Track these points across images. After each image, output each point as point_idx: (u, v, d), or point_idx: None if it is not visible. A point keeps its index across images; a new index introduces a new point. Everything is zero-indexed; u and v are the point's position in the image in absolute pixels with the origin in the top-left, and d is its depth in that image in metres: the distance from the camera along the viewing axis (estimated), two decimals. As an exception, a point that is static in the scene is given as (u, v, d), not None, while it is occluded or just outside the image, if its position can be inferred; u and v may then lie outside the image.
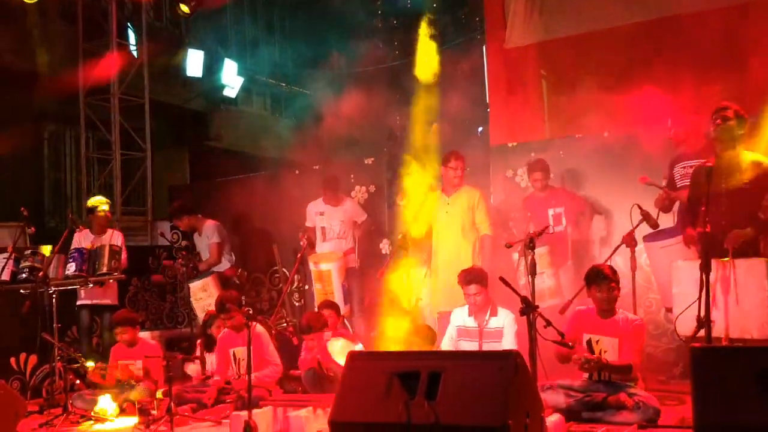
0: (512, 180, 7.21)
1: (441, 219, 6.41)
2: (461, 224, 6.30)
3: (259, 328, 5.58)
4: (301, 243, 6.78)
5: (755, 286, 4.64)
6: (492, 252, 6.30)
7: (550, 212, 6.52)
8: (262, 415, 4.55)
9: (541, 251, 6.15)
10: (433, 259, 6.53)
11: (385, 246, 7.42)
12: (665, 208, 5.77)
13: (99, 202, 6.84)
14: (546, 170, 6.50)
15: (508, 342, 5.26)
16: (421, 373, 3.41)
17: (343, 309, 6.64)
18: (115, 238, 6.68)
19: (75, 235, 6.79)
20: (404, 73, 8.75)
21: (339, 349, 5.44)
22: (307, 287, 7.58)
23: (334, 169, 7.69)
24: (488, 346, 5.29)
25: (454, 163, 6.28)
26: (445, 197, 6.41)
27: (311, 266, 6.91)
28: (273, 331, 6.11)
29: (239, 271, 7.35)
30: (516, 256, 5.98)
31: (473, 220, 6.30)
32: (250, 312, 5.57)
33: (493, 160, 7.34)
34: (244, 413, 4.37)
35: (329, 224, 7.18)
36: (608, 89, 6.87)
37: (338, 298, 6.72)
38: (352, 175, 7.73)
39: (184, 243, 7.81)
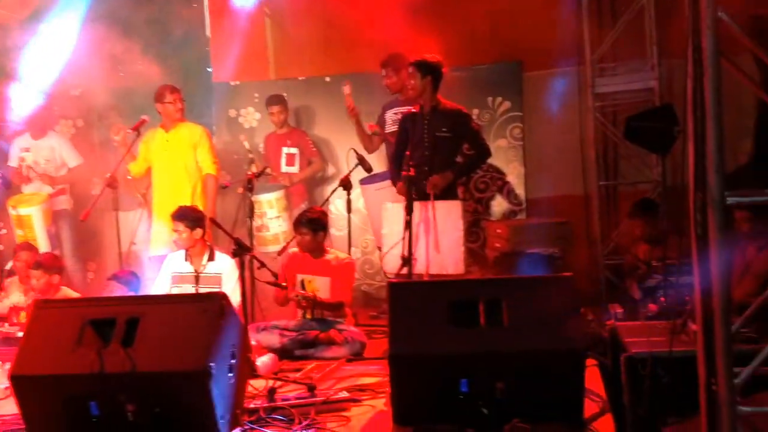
0: (235, 120, 7.07)
1: (160, 157, 6.02)
2: (182, 162, 5.96)
3: None
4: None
5: (452, 226, 5.05)
6: (216, 193, 6.11)
7: (284, 151, 6.50)
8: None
9: (278, 195, 6.15)
10: (153, 200, 6.18)
11: (96, 186, 6.87)
12: (367, 148, 6.06)
13: None
14: (282, 105, 6.47)
15: (230, 288, 5.13)
16: (117, 320, 3.20)
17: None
18: None
19: None
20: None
21: None
22: (5, 231, 6.79)
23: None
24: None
25: (169, 97, 5.91)
26: (164, 133, 6.03)
27: (10, 211, 6.20)
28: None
29: None
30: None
31: (195, 158, 6.03)
32: None
33: (216, 98, 7.11)
34: None
35: (34, 162, 6.47)
36: (333, 31, 6.90)
37: (43, 244, 6.10)
38: (56, 107, 6.99)
39: None
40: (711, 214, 2.28)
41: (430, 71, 5.18)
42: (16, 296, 5.55)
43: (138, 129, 5.88)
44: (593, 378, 3.68)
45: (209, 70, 7.11)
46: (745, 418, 2.38)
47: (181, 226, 5.05)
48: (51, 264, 5.33)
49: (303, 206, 6.31)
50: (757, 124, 5.66)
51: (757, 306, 2.64)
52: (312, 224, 4.97)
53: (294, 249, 5.19)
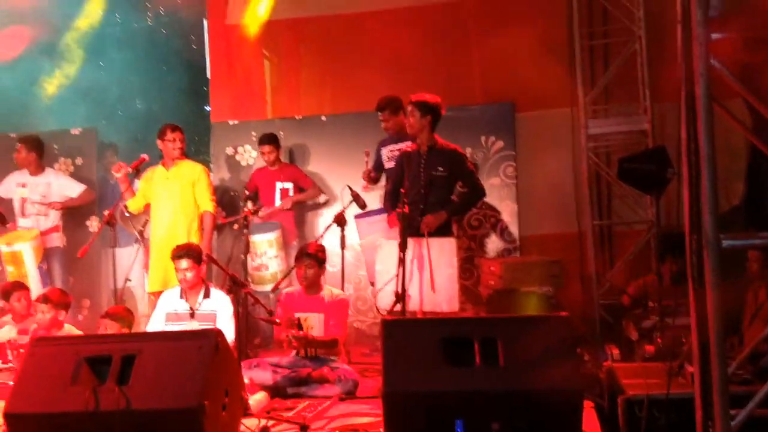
0: (233, 158, 7.12)
1: (159, 193, 6.05)
2: (181, 200, 5.99)
3: None
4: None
5: (446, 263, 5.04)
6: (213, 230, 6.13)
7: (278, 186, 6.52)
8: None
9: (276, 234, 6.12)
10: (151, 236, 6.18)
11: (92, 223, 6.89)
12: (370, 181, 6.11)
13: None
14: (272, 145, 6.51)
15: (225, 324, 5.09)
16: (113, 357, 3.19)
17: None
18: None
19: None
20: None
21: None
22: (-2, 269, 6.78)
23: (34, 138, 6.93)
24: (202, 331, 5.12)
25: (170, 135, 5.96)
26: (164, 170, 6.07)
27: (2, 248, 6.20)
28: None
29: None
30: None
31: (194, 195, 6.06)
32: None
33: (214, 137, 7.19)
34: None
35: (30, 198, 6.52)
36: (329, 73, 7.03)
37: (34, 281, 6.08)
38: (55, 146, 7.05)
39: None
40: (706, 257, 2.30)
41: (429, 111, 5.23)
42: (6, 331, 5.47)
43: (137, 167, 5.93)
44: (590, 420, 3.66)
45: (207, 109, 7.19)
46: (742, 459, 2.38)
47: (185, 263, 5.03)
48: (59, 299, 5.27)
49: (295, 244, 6.33)
50: (748, 166, 5.74)
51: (752, 348, 2.65)
52: (317, 257, 4.99)
53: (288, 288, 5.19)
